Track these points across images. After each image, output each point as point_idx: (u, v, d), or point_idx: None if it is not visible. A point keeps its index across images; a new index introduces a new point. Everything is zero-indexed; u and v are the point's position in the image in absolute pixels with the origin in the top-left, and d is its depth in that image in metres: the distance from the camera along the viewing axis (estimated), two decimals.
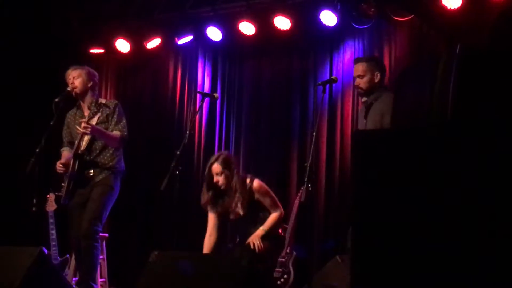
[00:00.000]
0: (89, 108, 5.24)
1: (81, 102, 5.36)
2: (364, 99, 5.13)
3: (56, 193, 5.21)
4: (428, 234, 2.22)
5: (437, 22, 6.04)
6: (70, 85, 5.26)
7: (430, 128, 2.43)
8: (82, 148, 5.16)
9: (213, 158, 5.31)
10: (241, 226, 5.27)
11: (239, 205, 5.16)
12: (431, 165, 2.25)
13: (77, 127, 5.12)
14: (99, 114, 5.19)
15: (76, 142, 5.16)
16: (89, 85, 5.30)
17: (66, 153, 5.30)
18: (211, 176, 5.20)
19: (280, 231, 5.28)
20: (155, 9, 7.35)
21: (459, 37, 5.54)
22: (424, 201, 2.24)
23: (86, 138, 5.17)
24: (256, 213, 5.22)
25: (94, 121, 5.14)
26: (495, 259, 2.10)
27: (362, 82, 5.00)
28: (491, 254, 2.11)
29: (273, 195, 5.29)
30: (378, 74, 4.99)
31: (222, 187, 5.17)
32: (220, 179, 5.14)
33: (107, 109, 5.22)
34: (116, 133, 5.21)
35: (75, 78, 5.26)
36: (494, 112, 2.39)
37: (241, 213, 5.18)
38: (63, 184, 5.20)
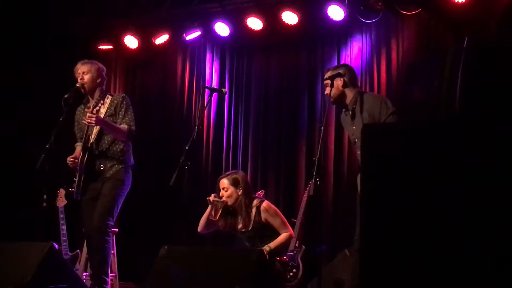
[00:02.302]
0: (96, 103, 5.23)
1: (89, 98, 5.37)
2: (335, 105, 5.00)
3: (70, 189, 5.22)
4: (437, 228, 2.22)
5: (444, 15, 6.02)
6: (79, 80, 5.26)
7: (439, 123, 2.43)
8: (91, 141, 5.18)
9: (226, 173, 5.52)
10: (246, 243, 5.32)
11: (244, 223, 5.27)
12: (440, 160, 2.25)
13: (84, 118, 5.14)
14: (106, 106, 5.19)
15: (84, 134, 5.18)
16: (98, 81, 5.30)
17: (79, 148, 5.32)
18: (219, 190, 5.37)
19: (284, 257, 5.31)
20: (163, 5, 7.38)
21: (467, 30, 5.53)
22: (432, 196, 2.24)
23: (95, 130, 5.17)
24: (262, 233, 5.27)
25: (101, 115, 5.15)
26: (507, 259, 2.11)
27: (328, 90, 4.84)
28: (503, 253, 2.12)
29: (282, 216, 5.34)
30: (340, 80, 4.82)
31: (227, 203, 5.30)
32: (224, 194, 5.28)
33: (115, 101, 5.23)
34: (124, 126, 5.20)
35: (84, 74, 5.26)
36: (502, 106, 2.39)
37: (246, 229, 5.25)
38: (74, 179, 5.20)
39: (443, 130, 2.31)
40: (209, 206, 5.37)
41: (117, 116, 5.22)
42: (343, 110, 4.93)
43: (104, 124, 5.09)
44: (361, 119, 4.73)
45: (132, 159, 5.37)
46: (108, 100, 5.21)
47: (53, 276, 4.36)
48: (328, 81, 4.78)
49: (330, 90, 4.75)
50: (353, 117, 4.80)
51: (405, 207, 2.29)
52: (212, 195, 5.35)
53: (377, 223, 2.36)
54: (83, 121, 5.10)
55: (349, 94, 4.81)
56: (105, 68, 5.46)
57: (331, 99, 4.84)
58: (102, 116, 5.12)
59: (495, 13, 5.54)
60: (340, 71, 4.83)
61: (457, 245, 2.17)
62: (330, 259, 5.64)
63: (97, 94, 5.28)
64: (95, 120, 4.98)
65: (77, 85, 5.23)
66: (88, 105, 5.34)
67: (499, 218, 2.12)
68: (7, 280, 4.21)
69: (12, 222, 6.87)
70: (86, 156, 5.12)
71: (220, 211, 5.33)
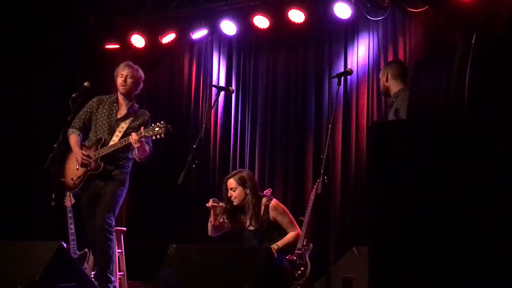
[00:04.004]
0: (127, 110, 5.37)
1: (119, 98, 5.44)
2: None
3: (61, 179, 5.27)
4: (444, 226, 2.22)
5: (452, 13, 6.00)
6: (119, 81, 5.33)
7: (447, 120, 2.42)
8: (107, 145, 5.26)
9: (232, 173, 5.52)
10: (254, 241, 5.33)
11: (252, 221, 5.29)
12: (448, 156, 2.25)
13: (130, 136, 5.18)
14: (131, 119, 5.30)
15: (109, 143, 5.25)
16: (136, 91, 5.47)
17: (75, 137, 5.34)
18: (226, 190, 5.37)
19: (293, 256, 5.31)
20: (170, 4, 7.38)
21: (475, 27, 5.51)
22: (440, 192, 2.24)
23: (115, 137, 5.24)
24: (270, 232, 5.29)
25: (125, 126, 5.28)
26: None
27: (380, 83, 5.24)
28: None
29: (290, 215, 5.37)
30: (386, 74, 5.14)
31: (235, 203, 5.33)
32: (233, 194, 5.30)
33: (141, 118, 5.34)
34: (147, 146, 5.31)
35: (128, 78, 5.37)
36: (510, 105, 2.38)
37: (254, 227, 5.26)
38: (72, 173, 5.27)
39: (450, 129, 2.31)
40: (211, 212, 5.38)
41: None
42: None
43: (141, 147, 5.19)
44: (391, 113, 4.94)
45: (130, 167, 5.44)
46: (135, 113, 5.30)
47: (62, 274, 4.37)
48: (380, 76, 5.25)
49: (380, 84, 5.23)
50: (390, 109, 5.08)
51: (411, 206, 2.29)
52: (210, 200, 5.36)
53: (384, 220, 2.36)
54: (130, 138, 5.14)
55: (394, 88, 5.09)
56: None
57: (381, 93, 5.40)
58: (125, 126, 5.24)
59: (503, 10, 5.51)
60: (385, 67, 5.26)
61: (465, 245, 2.17)
62: (338, 257, 5.64)
63: (129, 101, 5.36)
64: (138, 146, 5.12)
65: (85, 84, 5.26)
66: (117, 104, 5.39)
67: (506, 218, 2.11)
68: (16, 279, 4.22)
69: (21, 221, 6.89)
70: (104, 161, 5.22)
71: (220, 215, 5.34)
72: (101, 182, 5.26)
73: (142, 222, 7.57)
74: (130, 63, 5.53)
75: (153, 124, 5.22)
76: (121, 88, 5.39)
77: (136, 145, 5.12)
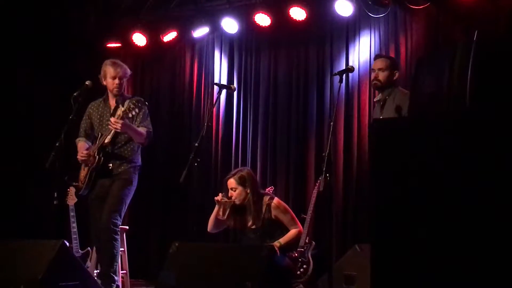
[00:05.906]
0: (116, 102, 5.29)
1: (109, 95, 5.42)
2: (377, 98, 5.34)
3: (74, 183, 5.28)
4: (446, 223, 2.22)
5: (453, 10, 6.00)
6: (114, 84, 5.30)
7: (448, 117, 2.42)
8: (106, 141, 5.23)
9: (232, 172, 5.49)
10: (256, 239, 5.33)
11: (254, 220, 5.28)
12: (449, 154, 2.25)
13: (109, 122, 5.15)
14: (125, 107, 5.23)
15: (103, 136, 5.23)
16: (125, 84, 5.44)
17: (82, 143, 5.36)
18: (227, 190, 5.37)
19: (295, 253, 5.30)
20: (171, 2, 7.38)
21: (476, 25, 5.50)
22: (441, 189, 2.24)
23: (112, 131, 5.22)
24: (272, 230, 5.28)
25: (119, 116, 5.20)
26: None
27: (382, 75, 5.15)
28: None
29: (292, 213, 5.36)
30: (397, 73, 5.18)
31: (236, 202, 5.31)
32: (233, 194, 5.28)
33: (133, 106, 5.23)
34: (143, 129, 5.26)
35: (121, 79, 5.33)
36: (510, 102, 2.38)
37: (256, 226, 5.26)
38: (82, 175, 5.26)
39: (452, 125, 2.31)
40: (217, 206, 5.38)
41: (134, 119, 5.25)
42: (376, 101, 5.32)
43: (129, 128, 5.14)
44: (390, 110, 4.94)
45: (140, 160, 5.42)
46: (126, 102, 5.25)
47: (64, 273, 4.38)
48: (383, 67, 5.14)
49: (383, 76, 5.14)
50: (383, 106, 5.05)
51: (416, 200, 2.29)
52: (220, 194, 5.36)
53: (387, 217, 2.36)
54: (109, 126, 5.12)
55: (391, 86, 5.14)
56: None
57: (379, 84, 5.18)
58: (120, 116, 5.16)
59: (504, 8, 5.50)
60: (396, 66, 5.27)
61: (466, 244, 2.17)
62: (341, 254, 5.64)
63: (119, 96, 5.35)
64: (120, 127, 5.03)
65: (87, 83, 5.26)
66: (107, 103, 5.38)
67: (507, 217, 2.11)
68: (19, 278, 4.23)
69: (23, 220, 6.90)
70: (102, 157, 5.20)
71: (228, 211, 5.34)
72: (107, 182, 5.25)
73: (144, 221, 7.58)
74: (117, 61, 5.44)
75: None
76: (115, 91, 5.34)
77: (116, 128, 5.05)
